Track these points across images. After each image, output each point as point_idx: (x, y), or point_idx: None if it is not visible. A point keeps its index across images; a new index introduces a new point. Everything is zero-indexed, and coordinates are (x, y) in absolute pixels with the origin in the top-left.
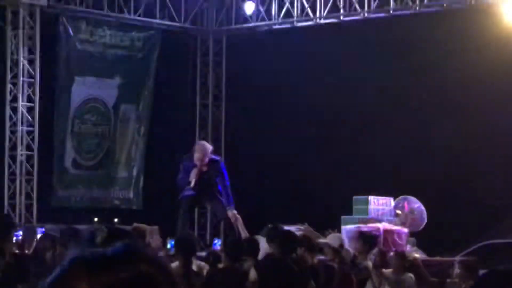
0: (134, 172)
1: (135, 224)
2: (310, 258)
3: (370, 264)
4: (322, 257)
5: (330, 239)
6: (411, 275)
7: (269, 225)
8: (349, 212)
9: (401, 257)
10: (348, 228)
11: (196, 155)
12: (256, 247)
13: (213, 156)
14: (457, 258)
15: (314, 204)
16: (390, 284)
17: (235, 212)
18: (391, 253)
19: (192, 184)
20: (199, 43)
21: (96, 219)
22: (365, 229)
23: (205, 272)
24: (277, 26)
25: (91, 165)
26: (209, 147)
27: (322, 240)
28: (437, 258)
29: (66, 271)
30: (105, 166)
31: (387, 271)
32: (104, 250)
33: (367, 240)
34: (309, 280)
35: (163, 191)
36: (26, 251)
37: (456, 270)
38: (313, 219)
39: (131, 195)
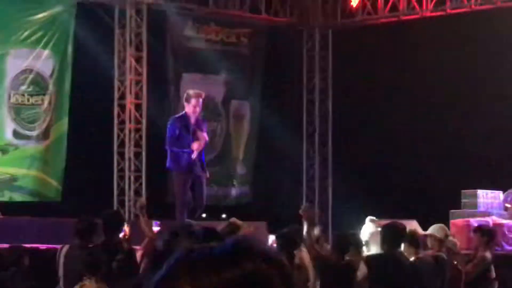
0: (250, 168)
1: (231, 219)
2: (414, 253)
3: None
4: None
5: (434, 230)
6: None
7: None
8: (458, 206)
9: None
10: (456, 221)
11: (194, 102)
12: (360, 241)
13: None
14: None
15: (422, 199)
16: None
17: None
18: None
19: (194, 155)
20: (305, 38)
21: (224, 215)
22: (475, 223)
23: (306, 262)
24: (383, 20)
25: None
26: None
27: (427, 232)
28: None
29: (170, 271)
30: (222, 162)
31: None
32: (212, 247)
33: (485, 233)
34: (418, 274)
35: (272, 185)
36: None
37: None
38: (421, 213)
39: (247, 191)
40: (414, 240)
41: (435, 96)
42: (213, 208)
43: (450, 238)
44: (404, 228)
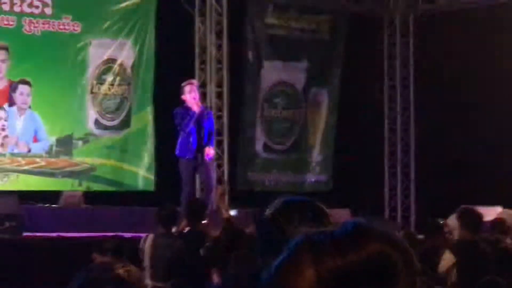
0: (328, 155)
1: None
2: (504, 241)
3: None
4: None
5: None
6: None
7: (462, 207)
8: None
9: None
10: None
11: (188, 88)
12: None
13: None
14: None
15: (507, 187)
16: None
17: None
18: None
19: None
20: (386, 24)
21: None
22: None
23: None
24: (466, 5)
25: (283, 149)
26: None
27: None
28: None
29: (292, 256)
30: (298, 150)
31: None
32: (331, 231)
33: None
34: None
35: (353, 172)
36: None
37: None
38: (507, 201)
39: (325, 178)
40: (502, 228)
41: None
42: (289, 195)
43: None
44: (481, 214)
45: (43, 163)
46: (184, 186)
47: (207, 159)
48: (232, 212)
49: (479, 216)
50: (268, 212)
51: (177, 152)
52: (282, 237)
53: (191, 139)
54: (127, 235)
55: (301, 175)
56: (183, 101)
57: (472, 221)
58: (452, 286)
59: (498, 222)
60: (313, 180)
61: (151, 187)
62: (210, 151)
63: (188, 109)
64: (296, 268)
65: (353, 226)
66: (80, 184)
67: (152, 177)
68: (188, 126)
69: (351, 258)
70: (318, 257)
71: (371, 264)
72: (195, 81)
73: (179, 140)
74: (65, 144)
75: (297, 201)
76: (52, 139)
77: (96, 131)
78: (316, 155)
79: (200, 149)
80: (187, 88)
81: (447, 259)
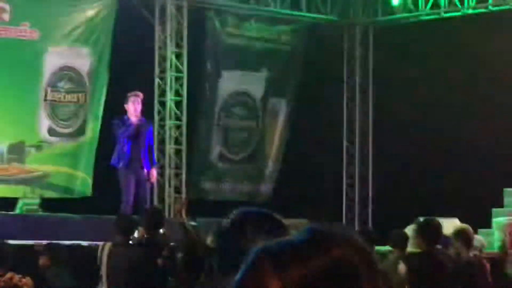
0: (279, 166)
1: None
2: (466, 253)
3: None
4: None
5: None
6: None
7: (420, 219)
8: (500, 205)
9: None
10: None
11: (132, 99)
12: (405, 239)
13: None
14: None
15: (463, 197)
16: None
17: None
18: None
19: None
20: (346, 35)
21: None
22: None
23: None
24: (424, 17)
25: (239, 159)
26: None
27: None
28: None
29: (253, 268)
30: (255, 160)
31: None
32: (289, 239)
33: None
34: (463, 276)
35: (311, 183)
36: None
37: None
38: (463, 212)
39: (271, 189)
40: (466, 239)
41: (479, 94)
42: (245, 205)
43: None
44: (440, 225)
45: None
46: (123, 194)
47: (152, 181)
48: (192, 223)
49: (438, 228)
50: (224, 223)
51: (112, 161)
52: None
53: (125, 149)
54: (84, 243)
55: (256, 185)
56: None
57: (430, 232)
58: None
59: (461, 233)
60: (266, 190)
61: (88, 192)
62: (154, 174)
63: (126, 120)
64: (259, 280)
65: (311, 232)
66: (32, 191)
67: (90, 181)
68: (123, 136)
69: (314, 264)
70: (280, 267)
71: (335, 269)
72: (140, 94)
73: (115, 150)
74: (17, 151)
75: (254, 213)
76: (4, 146)
77: (50, 139)
78: (271, 166)
79: (138, 162)
80: (131, 99)
81: (401, 269)
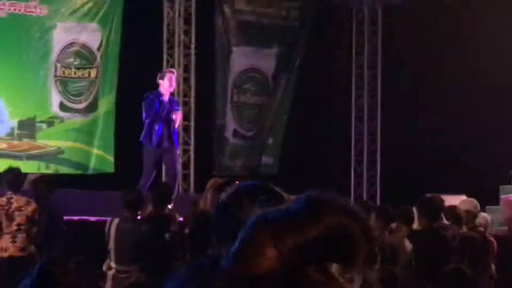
0: (279, 139)
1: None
2: (457, 230)
3: None
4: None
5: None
6: None
7: (426, 196)
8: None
9: None
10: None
11: (168, 77)
12: (411, 216)
13: None
14: None
15: (472, 175)
16: None
17: None
18: None
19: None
20: (354, 12)
21: None
22: None
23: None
24: None
25: (251, 135)
26: None
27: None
28: None
29: (250, 237)
30: (260, 134)
31: None
32: (286, 207)
33: None
34: (462, 251)
35: (320, 159)
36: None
37: None
38: (471, 188)
39: (272, 161)
40: (456, 216)
41: (487, 74)
42: (249, 179)
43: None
44: (442, 202)
45: (4, 146)
46: (144, 172)
47: (173, 120)
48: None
49: (439, 205)
50: (222, 197)
51: (141, 138)
52: (235, 220)
53: (156, 127)
54: (92, 218)
55: (258, 158)
56: (157, 85)
57: (430, 209)
58: (412, 276)
59: (449, 210)
60: (267, 162)
61: (111, 169)
62: (178, 116)
63: (159, 96)
64: (256, 248)
65: (308, 200)
66: (47, 167)
67: (111, 158)
68: (155, 114)
69: (311, 232)
70: (277, 235)
71: (331, 236)
72: (175, 71)
73: (144, 126)
74: (27, 127)
75: (250, 185)
76: (14, 122)
77: (61, 114)
78: (270, 138)
79: (167, 138)
80: (167, 75)
81: (407, 246)
